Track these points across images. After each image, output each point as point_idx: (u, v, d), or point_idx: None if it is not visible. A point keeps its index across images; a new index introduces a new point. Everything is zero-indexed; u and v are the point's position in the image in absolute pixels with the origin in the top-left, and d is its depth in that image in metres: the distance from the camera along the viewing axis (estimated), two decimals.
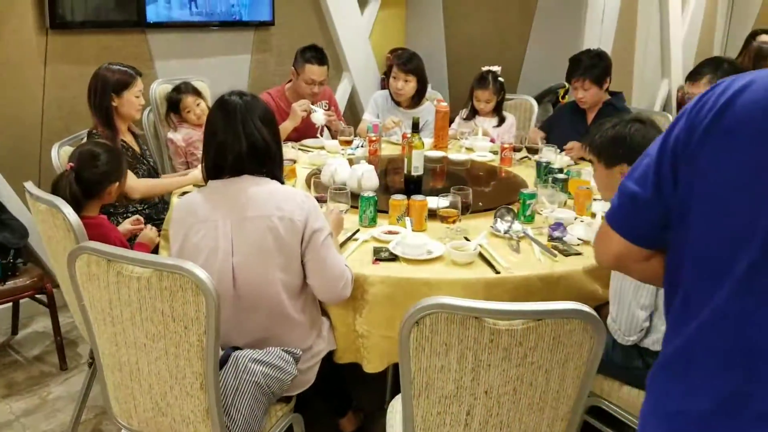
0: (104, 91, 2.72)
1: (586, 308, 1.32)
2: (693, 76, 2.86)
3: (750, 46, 4.67)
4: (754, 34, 5.20)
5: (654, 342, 1.86)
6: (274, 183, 1.84)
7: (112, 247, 1.52)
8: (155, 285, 1.46)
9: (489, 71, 3.63)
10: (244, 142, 1.79)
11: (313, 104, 3.53)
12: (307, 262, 1.81)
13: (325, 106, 3.61)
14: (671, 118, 3.60)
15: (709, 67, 2.80)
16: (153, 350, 1.55)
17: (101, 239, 1.73)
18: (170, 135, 3.22)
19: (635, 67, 5.38)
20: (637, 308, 1.83)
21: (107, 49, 3.42)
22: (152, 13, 3.54)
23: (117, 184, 2.30)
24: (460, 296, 1.86)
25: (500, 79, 3.65)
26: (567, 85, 4.19)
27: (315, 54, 3.42)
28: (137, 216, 2.58)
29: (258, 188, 1.79)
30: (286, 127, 3.29)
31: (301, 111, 3.33)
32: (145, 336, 1.54)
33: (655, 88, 5.76)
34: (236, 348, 1.75)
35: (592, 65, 3.27)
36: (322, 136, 3.49)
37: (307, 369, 1.88)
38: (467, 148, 3.47)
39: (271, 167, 1.86)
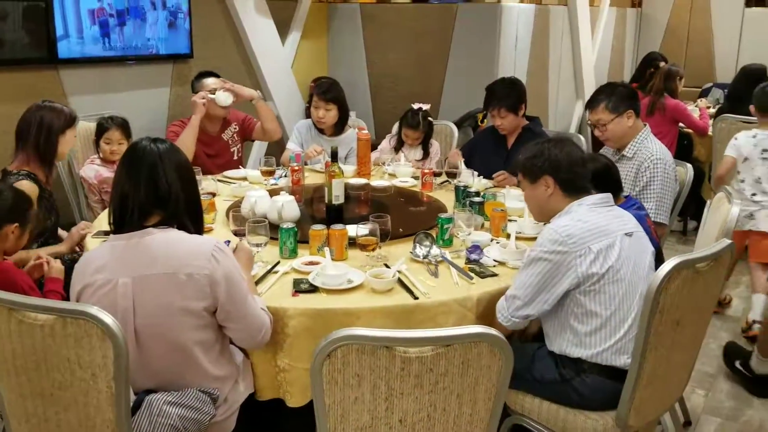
0: (50, 130, 2.67)
1: (492, 331, 1.36)
2: (590, 104, 2.99)
3: (661, 68, 4.95)
4: (650, 59, 5.49)
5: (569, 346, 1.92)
6: (182, 235, 1.71)
7: (12, 295, 1.47)
8: (59, 332, 1.41)
9: (419, 109, 3.68)
10: (149, 192, 1.68)
11: (224, 130, 3.54)
12: (224, 319, 1.72)
13: (235, 128, 3.64)
14: (583, 139, 3.76)
15: (604, 94, 2.94)
16: (61, 400, 1.49)
17: (7, 287, 1.66)
18: (81, 172, 3.15)
19: (550, 92, 5.59)
20: (538, 300, 1.90)
21: (19, 86, 3.32)
22: (64, 49, 3.46)
23: (15, 226, 2.18)
24: (380, 324, 1.90)
25: (429, 118, 3.72)
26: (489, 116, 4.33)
27: (206, 75, 3.56)
28: (38, 255, 2.43)
29: (164, 242, 1.66)
30: (193, 123, 3.36)
31: (200, 100, 3.39)
32: (51, 385, 1.48)
33: (570, 111, 5.99)
34: (150, 391, 1.69)
35: (506, 94, 3.37)
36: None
37: (224, 419, 1.81)
38: (390, 174, 3.52)
39: (181, 219, 1.73)
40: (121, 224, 1.71)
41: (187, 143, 3.26)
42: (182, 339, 1.67)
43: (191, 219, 1.76)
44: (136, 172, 1.70)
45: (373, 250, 2.23)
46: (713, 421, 2.77)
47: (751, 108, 3.69)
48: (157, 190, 1.69)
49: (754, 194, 3.52)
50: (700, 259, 1.80)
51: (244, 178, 3.34)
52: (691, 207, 4.71)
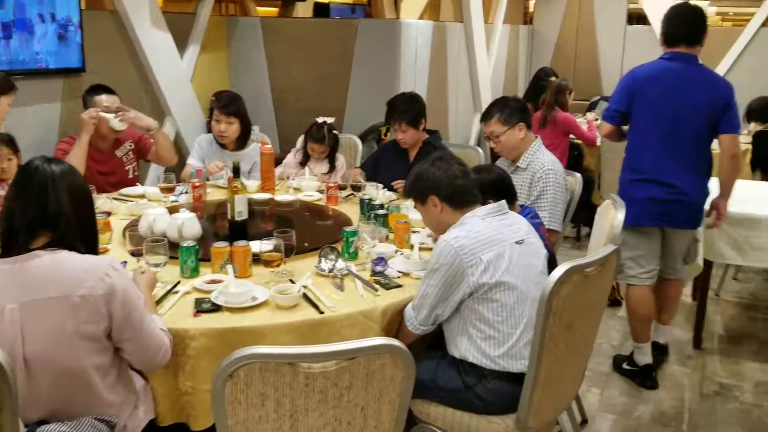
0: None
1: (395, 342, 1.38)
2: (485, 117, 3.13)
3: (551, 84, 5.20)
4: (540, 75, 5.75)
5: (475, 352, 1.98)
6: (73, 256, 1.63)
7: None
8: None
9: (324, 123, 3.69)
10: (36, 213, 1.61)
11: (117, 147, 3.42)
12: (120, 341, 1.66)
13: (130, 146, 3.52)
14: (481, 152, 3.90)
15: (496, 107, 3.08)
16: None
17: None
18: None
19: (450, 105, 5.76)
20: (439, 308, 1.97)
21: None
22: None
23: None
24: (286, 341, 1.89)
25: (334, 131, 3.74)
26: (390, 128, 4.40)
27: (99, 91, 3.41)
28: None
29: (53, 264, 1.58)
30: (82, 141, 3.23)
31: (89, 118, 3.25)
32: None
33: (469, 123, 6.19)
34: (42, 422, 1.60)
35: (406, 109, 3.45)
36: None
37: None
38: (295, 189, 3.51)
39: (72, 240, 1.65)
40: (8, 247, 1.63)
41: (75, 161, 3.12)
42: (77, 365, 1.60)
43: (83, 240, 1.69)
44: (25, 192, 1.63)
45: (278, 266, 2.22)
46: (608, 418, 2.93)
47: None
48: (45, 211, 1.62)
49: None
50: (588, 264, 1.90)
51: (142, 196, 3.23)
52: (582, 214, 4.97)
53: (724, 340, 3.68)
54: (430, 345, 2.21)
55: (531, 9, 7.98)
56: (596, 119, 6.13)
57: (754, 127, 5.33)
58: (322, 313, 1.96)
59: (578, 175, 3.20)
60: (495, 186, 2.40)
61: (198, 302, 2.00)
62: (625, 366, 3.28)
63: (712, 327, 3.81)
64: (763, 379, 3.26)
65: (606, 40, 7.53)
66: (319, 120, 3.72)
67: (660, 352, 3.37)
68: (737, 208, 3.38)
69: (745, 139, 5.42)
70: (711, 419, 2.93)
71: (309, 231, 2.75)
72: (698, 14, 3.11)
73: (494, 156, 4.04)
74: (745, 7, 9.15)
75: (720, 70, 6.89)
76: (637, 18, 7.92)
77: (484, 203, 2.13)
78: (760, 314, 4.03)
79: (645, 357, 3.20)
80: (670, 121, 3.02)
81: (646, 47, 7.23)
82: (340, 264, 2.28)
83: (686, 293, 4.25)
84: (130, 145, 3.54)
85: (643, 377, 3.19)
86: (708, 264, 3.45)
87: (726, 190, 3.16)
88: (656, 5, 7.16)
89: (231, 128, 3.62)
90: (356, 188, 3.32)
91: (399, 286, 2.19)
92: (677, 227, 3.11)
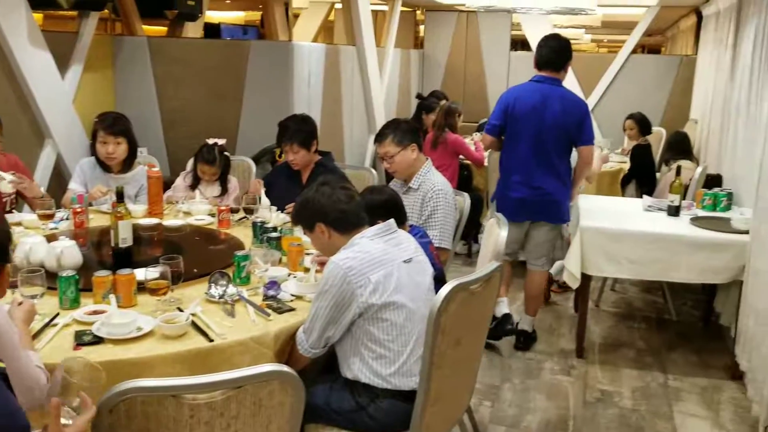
0: None
1: (284, 368, 1.38)
2: (378, 138, 3.20)
3: (443, 105, 5.38)
4: (433, 97, 5.95)
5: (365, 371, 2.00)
6: None
7: None
8: None
9: (215, 144, 3.62)
10: None
11: None
12: None
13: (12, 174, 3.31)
14: (375, 173, 3.96)
15: (390, 128, 3.17)
16: None
17: None
18: None
19: (345, 127, 5.82)
20: (330, 330, 1.98)
21: None
22: None
23: None
24: (174, 372, 1.83)
25: (226, 153, 3.68)
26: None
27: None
28: None
29: None
30: None
31: None
32: None
33: (364, 145, 6.27)
34: None
35: (298, 130, 3.45)
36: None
37: None
38: (185, 213, 3.42)
39: None
40: None
41: None
42: None
43: None
44: None
45: (165, 294, 2.16)
46: (499, 430, 3.03)
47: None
48: None
49: None
50: (473, 282, 1.98)
51: (19, 224, 3.04)
52: (473, 231, 5.15)
53: (604, 349, 3.91)
54: (324, 368, 2.21)
55: (421, 33, 8.22)
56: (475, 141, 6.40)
57: (628, 143, 5.74)
58: (211, 341, 1.92)
59: (466, 195, 3.33)
60: (385, 207, 2.46)
61: (78, 335, 1.91)
62: (506, 329, 3.81)
63: (592, 337, 4.04)
64: (640, 385, 3.49)
65: (492, 65, 7.88)
66: (210, 141, 3.65)
67: (527, 338, 3.88)
68: (611, 224, 3.64)
69: (618, 158, 5.82)
70: (593, 425, 3.10)
71: (199, 256, 2.69)
72: (562, 44, 3.68)
73: (388, 176, 4.12)
74: (617, 35, 9.86)
75: (596, 92, 7.39)
76: (521, 44, 8.34)
77: (372, 224, 2.17)
78: (636, 323, 4.31)
79: (527, 325, 3.87)
80: (535, 133, 3.63)
81: (529, 71, 7.67)
82: (231, 289, 2.25)
83: (569, 306, 4.49)
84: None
85: (518, 339, 3.86)
86: (587, 277, 3.66)
87: (576, 185, 3.87)
88: (536, 32, 7.59)
89: (119, 149, 3.49)
90: (249, 211, 3.28)
91: (292, 309, 2.18)
92: (542, 221, 3.75)
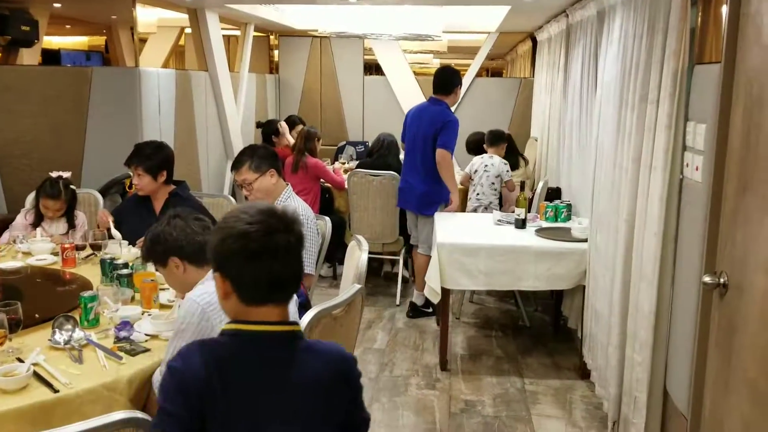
0: None
1: (139, 414, 1.31)
2: (235, 165, 3.14)
3: (302, 130, 5.39)
4: (290, 121, 5.96)
5: None
6: None
7: None
8: None
9: (59, 177, 3.38)
10: None
11: None
12: None
13: None
14: (234, 201, 3.89)
15: (246, 155, 3.12)
16: None
17: None
18: None
19: (200, 154, 5.66)
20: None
21: None
22: None
23: None
24: (14, 430, 1.68)
25: (72, 186, 3.45)
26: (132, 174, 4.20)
27: None
28: None
29: None
30: None
31: None
32: None
33: (222, 172, 6.13)
34: None
35: (149, 155, 3.32)
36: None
37: None
38: (24, 253, 3.17)
39: None
40: None
41: None
42: None
43: None
44: None
45: (2, 344, 1.98)
46: None
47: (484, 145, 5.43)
48: None
49: (477, 194, 5.05)
50: (335, 306, 1.99)
51: None
52: (337, 254, 5.18)
53: (466, 360, 4.07)
54: None
55: (276, 58, 8.22)
56: (344, 163, 6.48)
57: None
58: (57, 391, 1.79)
59: (327, 219, 3.35)
60: None
61: None
62: (423, 309, 4.71)
63: (455, 348, 4.19)
64: (500, 392, 3.66)
65: (347, 89, 8.02)
66: (54, 174, 3.42)
67: (415, 309, 4.75)
68: (465, 239, 3.82)
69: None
70: None
71: (40, 300, 2.51)
72: (446, 73, 4.69)
73: None
74: (463, 59, 10.41)
75: None
76: (375, 68, 8.56)
77: None
78: (493, 332, 4.53)
79: (419, 300, 4.68)
80: (416, 141, 4.63)
81: (383, 95, 7.90)
82: (78, 333, 2.11)
83: (432, 321, 4.64)
84: None
85: (412, 310, 4.76)
86: (446, 291, 3.81)
87: (450, 187, 4.59)
88: (387, 57, 7.85)
89: None
90: (97, 247, 3.10)
91: (147, 350, 2.08)
92: (413, 211, 4.74)
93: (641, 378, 2.67)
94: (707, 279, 2.09)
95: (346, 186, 5.32)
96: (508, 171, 5.15)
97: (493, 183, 5.06)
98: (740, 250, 1.98)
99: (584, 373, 3.77)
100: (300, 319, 1.93)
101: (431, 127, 4.50)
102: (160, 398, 1.32)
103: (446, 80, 4.61)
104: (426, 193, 4.60)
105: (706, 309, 2.17)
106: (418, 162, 4.60)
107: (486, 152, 5.34)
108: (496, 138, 5.45)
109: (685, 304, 2.38)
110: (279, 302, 1.40)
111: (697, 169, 2.31)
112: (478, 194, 5.06)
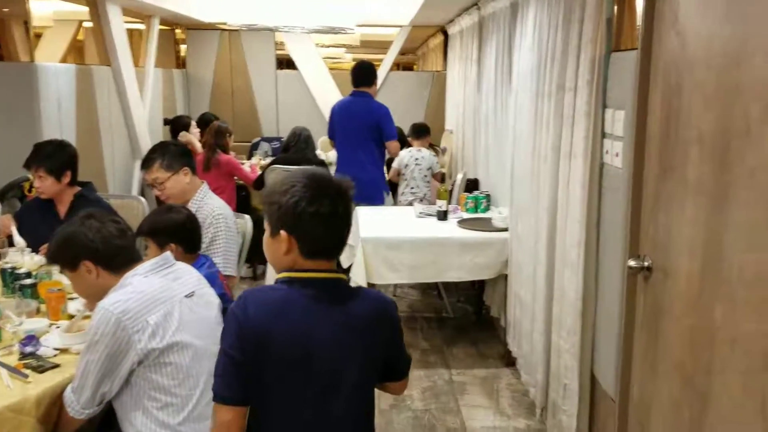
0: None
1: None
2: (145, 164, 2.98)
3: (211, 126, 5.19)
4: (204, 120, 5.75)
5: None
6: None
7: None
8: None
9: None
10: None
11: None
12: None
13: None
14: (145, 201, 3.69)
15: (157, 153, 2.96)
16: None
17: None
18: None
19: (105, 153, 5.36)
20: (105, 385, 1.77)
21: None
22: None
23: None
24: None
25: None
26: (31, 177, 3.90)
27: None
28: None
29: None
30: None
31: None
32: None
33: (129, 171, 5.83)
34: None
35: (50, 155, 3.10)
36: None
37: None
38: None
39: None
40: None
41: None
42: None
43: None
44: None
45: None
46: None
47: (409, 138, 5.54)
48: None
49: (412, 188, 5.08)
50: None
51: None
52: (256, 252, 5.03)
53: None
54: (101, 427, 1.97)
55: (183, 53, 7.90)
56: (260, 160, 6.32)
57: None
58: None
59: (247, 216, 3.23)
60: (186, 228, 2.30)
61: None
62: None
63: None
64: (428, 384, 3.65)
65: (259, 83, 7.82)
66: None
67: None
68: (388, 233, 3.79)
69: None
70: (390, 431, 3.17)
71: None
72: (366, 66, 4.90)
73: (159, 204, 3.86)
74: (375, 54, 10.40)
75: None
76: (287, 63, 8.39)
77: (163, 250, 1.99)
78: (419, 324, 4.53)
79: None
80: (350, 134, 4.80)
81: (297, 90, 7.76)
82: None
83: None
84: None
85: None
86: (372, 287, 3.76)
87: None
88: (300, 51, 7.71)
89: None
90: None
91: (56, 366, 1.92)
92: (362, 203, 4.53)
93: (570, 365, 2.71)
94: (632, 263, 2.13)
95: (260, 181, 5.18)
96: (437, 162, 5.29)
97: (425, 175, 5.14)
98: (663, 234, 2.02)
99: (509, 361, 3.82)
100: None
101: (369, 118, 4.74)
102: (222, 342, 1.52)
103: (368, 73, 4.83)
104: (373, 180, 4.79)
105: (632, 293, 2.22)
106: (359, 154, 4.76)
107: (409, 146, 5.38)
108: (421, 131, 5.51)
109: (611, 288, 2.43)
110: (332, 257, 1.61)
111: (617, 155, 2.36)
112: (412, 188, 5.09)
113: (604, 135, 2.50)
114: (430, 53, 10.43)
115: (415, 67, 13.24)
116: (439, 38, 8.50)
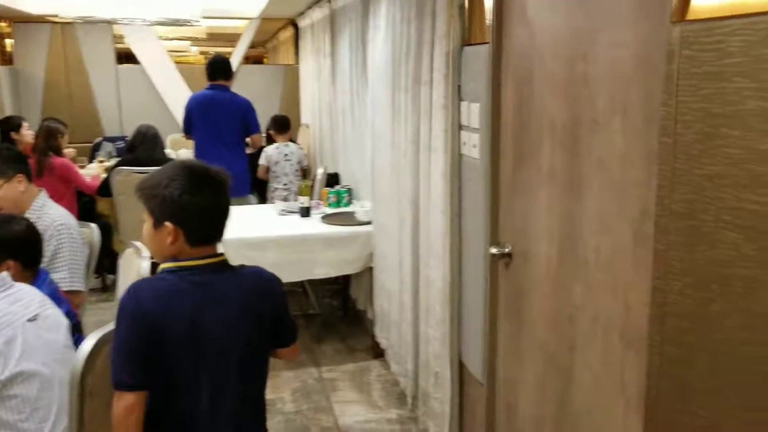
0: None
1: None
2: None
3: (40, 127, 4.76)
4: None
5: None
6: None
7: None
8: None
9: None
10: None
11: None
12: None
13: None
14: None
15: None
16: None
17: None
18: None
19: None
20: None
21: None
22: None
23: None
24: None
25: None
26: None
27: None
28: None
29: None
30: None
31: None
32: None
33: None
34: None
35: None
36: None
37: None
38: None
39: None
40: None
41: None
42: None
43: None
44: None
45: None
46: None
47: (271, 133, 5.42)
48: None
49: (285, 184, 5.07)
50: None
51: None
52: (105, 261, 4.70)
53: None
54: None
55: (9, 48, 7.18)
56: (102, 161, 5.89)
57: None
58: None
59: (93, 225, 2.98)
60: (26, 242, 2.06)
61: None
62: None
63: None
64: (298, 385, 3.59)
65: (98, 79, 7.29)
66: None
67: None
68: (250, 233, 3.67)
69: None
70: None
71: None
72: (221, 60, 4.97)
73: None
74: (224, 47, 10.07)
75: None
76: (126, 57, 7.88)
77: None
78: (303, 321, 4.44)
79: None
80: (213, 129, 4.78)
81: (140, 86, 7.32)
82: None
83: None
84: None
85: None
86: None
87: None
88: (141, 45, 7.27)
89: None
90: None
91: None
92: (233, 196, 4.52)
93: (440, 352, 2.77)
94: (493, 250, 2.21)
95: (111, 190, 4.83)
96: (305, 156, 5.33)
97: (297, 170, 5.17)
98: (521, 220, 2.11)
99: (378, 353, 3.86)
100: (75, 343, 1.66)
101: (235, 111, 4.82)
102: (115, 337, 1.55)
103: (226, 66, 4.91)
104: (240, 174, 4.74)
105: (494, 279, 2.30)
106: (222, 148, 4.75)
107: (272, 141, 5.35)
108: (284, 124, 5.43)
109: (476, 276, 2.50)
110: (216, 242, 1.71)
111: (474, 146, 2.42)
112: (285, 183, 5.09)
113: (461, 127, 2.56)
114: (280, 46, 10.27)
115: (265, 60, 12.99)
116: (290, 31, 8.39)
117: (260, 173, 5.18)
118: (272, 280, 1.78)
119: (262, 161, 5.15)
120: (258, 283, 1.74)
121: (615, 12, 1.59)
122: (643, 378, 1.46)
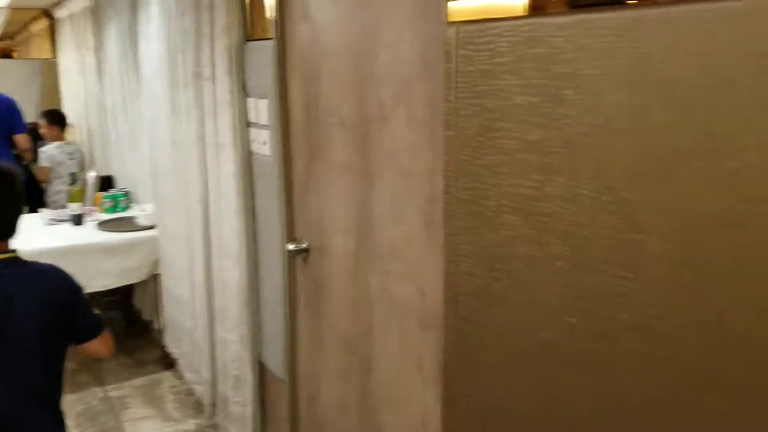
0: None
1: None
2: None
3: None
4: None
5: None
6: None
7: None
8: None
9: None
10: None
11: None
12: None
13: None
14: None
15: None
16: None
17: None
18: None
19: None
20: None
21: None
22: None
23: None
24: None
25: None
26: None
27: None
28: None
29: None
30: None
31: None
32: None
33: None
34: None
35: None
36: None
37: None
38: None
39: None
40: None
41: None
42: None
43: None
44: None
45: None
46: None
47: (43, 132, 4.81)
48: None
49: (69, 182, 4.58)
50: None
51: None
52: None
53: None
54: None
55: None
56: None
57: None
58: None
59: None
60: None
61: None
62: None
63: None
64: (82, 408, 3.30)
65: None
66: None
67: None
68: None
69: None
70: None
71: None
72: None
73: None
74: None
75: None
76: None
77: None
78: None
79: None
80: None
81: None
82: None
83: None
84: None
85: None
86: None
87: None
88: None
89: None
90: None
91: None
92: None
93: (239, 355, 2.70)
94: (290, 246, 2.21)
95: None
96: (85, 156, 4.96)
97: (82, 170, 4.72)
98: (316, 215, 2.13)
99: (168, 363, 3.67)
100: None
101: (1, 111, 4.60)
102: None
103: None
104: None
105: (293, 275, 2.30)
106: None
107: (41, 139, 4.86)
108: (61, 119, 4.86)
109: (273, 274, 2.48)
110: (8, 238, 1.72)
111: (264, 143, 2.40)
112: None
113: (249, 124, 2.52)
114: (33, 39, 9.24)
115: (14, 54, 11.61)
116: (44, 22, 7.59)
117: (43, 176, 4.64)
118: (64, 275, 1.79)
119: (44, 162, 4.62)
120: (51, 278, 1.74)
121: (396, 13, 1.67)
122: (440, 356, 1.56)
